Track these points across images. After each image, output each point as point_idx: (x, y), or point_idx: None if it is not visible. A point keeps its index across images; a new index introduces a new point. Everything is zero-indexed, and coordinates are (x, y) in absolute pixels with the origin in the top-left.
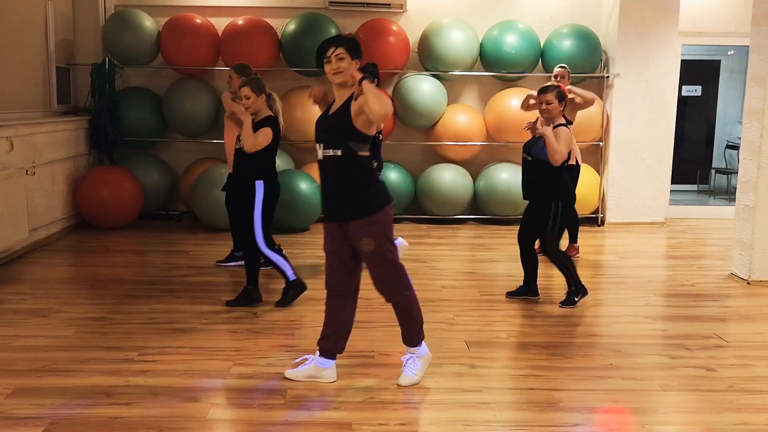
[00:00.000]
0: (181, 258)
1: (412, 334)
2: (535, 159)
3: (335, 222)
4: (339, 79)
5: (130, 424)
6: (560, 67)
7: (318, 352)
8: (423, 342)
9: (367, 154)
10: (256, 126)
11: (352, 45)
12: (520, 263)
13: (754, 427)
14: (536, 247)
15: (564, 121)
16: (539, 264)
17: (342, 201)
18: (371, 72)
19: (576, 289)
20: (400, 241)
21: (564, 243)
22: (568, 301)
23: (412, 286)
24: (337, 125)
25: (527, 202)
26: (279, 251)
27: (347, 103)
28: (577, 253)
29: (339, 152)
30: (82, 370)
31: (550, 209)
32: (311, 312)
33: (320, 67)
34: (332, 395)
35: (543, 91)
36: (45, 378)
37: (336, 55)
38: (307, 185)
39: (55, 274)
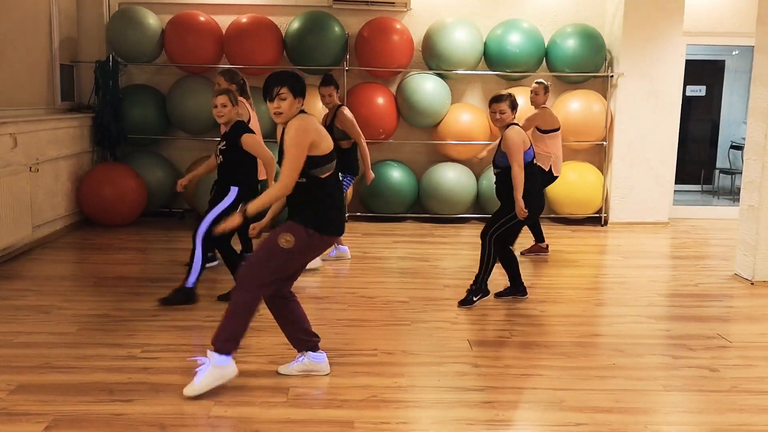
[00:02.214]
0: (183, 256)
1: (223, 336)
2: (502, 168)
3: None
4: (279, 119)
5: (132, 421)
6: (537, 82)
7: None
8: (230, 356)
9: (330, 172)
10: (232, 133)
11: (295, 83)
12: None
13: (757, 428)
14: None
15: (515, 122)
16: (518, 261)
17: (298, 208)
18: (333, 83)
19: (477, 288)
20: (345, 249)
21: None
22: (467, 301)
23: (260, 296)
24: None
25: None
26: (207, 259)
27: None
28: (546, 251)
29: (303, 180)
30: (85, 367)
31: (513, 215)
32: (312, 310)
33: (266, 100)
34: (334, 393)
35: (497, 99)
36: (47, 375)
37: (279, 95)
38: None
39: (58, 271)
